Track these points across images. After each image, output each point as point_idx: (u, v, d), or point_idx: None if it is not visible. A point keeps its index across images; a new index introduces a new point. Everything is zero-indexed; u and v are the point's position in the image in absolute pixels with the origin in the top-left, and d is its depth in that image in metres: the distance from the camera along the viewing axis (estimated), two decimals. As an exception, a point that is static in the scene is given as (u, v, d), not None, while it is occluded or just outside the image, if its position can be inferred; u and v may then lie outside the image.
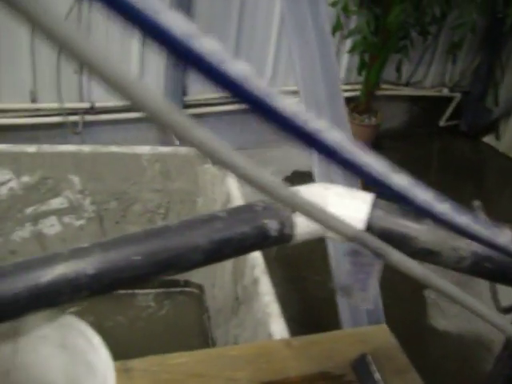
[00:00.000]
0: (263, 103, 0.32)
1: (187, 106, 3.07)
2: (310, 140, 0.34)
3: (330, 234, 0.76)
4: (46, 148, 1.56)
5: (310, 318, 2.29)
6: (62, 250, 0.64)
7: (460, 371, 2.22)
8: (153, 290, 1.80)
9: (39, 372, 0.76)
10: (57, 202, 1.62)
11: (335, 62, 1.71)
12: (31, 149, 1.55)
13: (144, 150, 1.61)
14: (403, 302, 2.60)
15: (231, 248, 0.69)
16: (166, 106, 0.35)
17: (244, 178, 0.43)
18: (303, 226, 0.73)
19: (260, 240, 0.71)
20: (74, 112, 2.84)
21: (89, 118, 2.88)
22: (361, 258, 0.60)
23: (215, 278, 1.62)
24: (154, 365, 0.94)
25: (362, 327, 1.43)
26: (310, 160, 3.34)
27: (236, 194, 1.45)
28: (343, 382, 0.98)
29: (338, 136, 0.34)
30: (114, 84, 0.32)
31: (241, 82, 0.30)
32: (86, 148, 1.59)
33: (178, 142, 2.73)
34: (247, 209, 0.71)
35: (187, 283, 1.80)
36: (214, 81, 0.30)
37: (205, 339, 1.64)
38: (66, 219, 1.66)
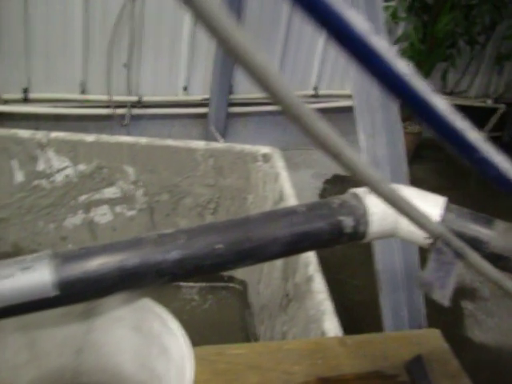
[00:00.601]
0: (421, 102, 0.33)
1: (232, 104, 3.10)
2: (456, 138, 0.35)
3: (400, 234, 0.78)
4: (104, 138, 1.59)
5: (348, 321, 2.30)
6: (148, 235, 0.66)
7: (493, 384, 2.21)
8: (197, 284, 1.82)
9: (110, 352, 0.79)
10: (110, 192, 1.66)
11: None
12: (90, 138, 1.58)
13: (199, 145, 1.63)
14: (440, 311, 2.59)
15: (308, 242, 0.71)
16: (297, 100, 0.37)
17: (353, 171, 0.45)
18: (376, 225, 0.74)
19: (335, 236, 0.72)
20: (121, 105, 2.88)
21: (136, 111, 2.92)
22: (443, 257, 0.62)
23: (261, 275, 1.63)
24: (213, 354, 0.96)
25: (414, 330, 1.44)
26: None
27: (289, 192, 1.46)
28: (397, 382, 0.99)
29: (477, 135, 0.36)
30: (258, 77, 0.34)
31: (405, 81, 0.32)
32: (142, 140, 1.61)
33: (221, 140, 2.75)
34: (324, 205, 0.73)
35: (231, 279, 1.82)
36: (380, 77, 0.31)
37: (246, 335, 1.65)
38: (118, 209, 1.69)
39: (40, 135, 1.59)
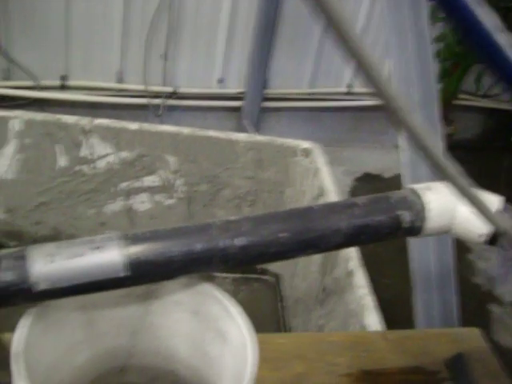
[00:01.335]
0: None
1: (266, 99, 3.10)
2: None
3: (455, 231, 0.78)
4: (147, 127, 1.61)
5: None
6: (214, 221, 0.67)
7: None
8: (230, 275, 1.84)
9: (165, 334, 0.80)
10: (150, 180, 1.68)
11: (433, 67, 1.72)
12: (133, 126, 1.61)
13: (240, 137, 1.64)
14: (468, 314, 2.59)
15: (368, 234, 0.72)
16: (396, 94, 0.38)
17: (435, 165, 0.46)
18: (433, 221, 0.75)
19: (393, 230, 0.73)
20: (156, 95, 2.90)
21: (170, 102, 2.94)
22: (506, 254, 0.62)
23: (296, 269, 1.64)
24: (260, 342, 0.97)
25: (455, 328, 1.44)
26: (381, 163, 3.35)
27: (330, 188, 1.47)
28: (437, 378, 0.99)
29: None
30: (367, 72, 0.36)
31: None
32: (184, 130, 1.63)
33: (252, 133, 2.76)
34: (383, 199, 0.74)
35: (264, 271, 1.84)
36: (503, 72, 0.32)
37: (278, 327, 1.67)
38: (157, 197, 1.71)
39: (84, 121, 1.61)
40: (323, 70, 3.17)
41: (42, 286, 0.61)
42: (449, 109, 3.45)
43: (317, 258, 1.45)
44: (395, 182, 3.32)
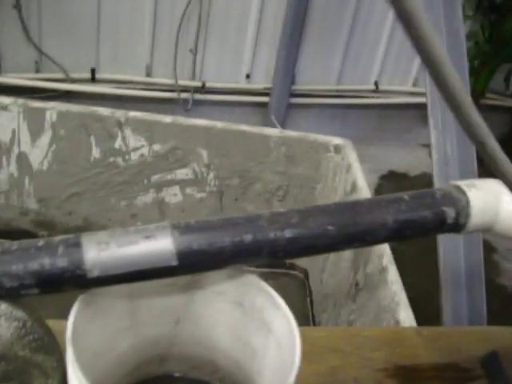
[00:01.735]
0: None
1: (293, 95, 3.11)
2: None
3: (498, 228, 0.79)
4: (181, 120, 1.62)
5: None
6: (261, 213, 0.68)
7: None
8: (258, 269, 1.85)
9: (207, 324, 0.81)
10: (182, 173, 1.69)
11: (466, 66, 1.71)
12: (167, 119, 1.62)
13: (273, 132, 1.65)
14: (491, 315, 2.58)
15: (412, 230, 0.72)
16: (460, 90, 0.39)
17: (493, 163, 0.46)
18: (476, 218, 0.76)
19: (437, 226, 0.74)
20: (184, 89, 2.92)
21: (198, 96, 2.95)
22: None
23: (325, 264, 1.65)
24: (295, 335, 0.98)
25: (490, 326, 1.44)
26: (406, 161, 3.34)
27: (362, 184, 1.48)
28: (472, 376, 1.00)
29: None
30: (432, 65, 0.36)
31: None
32: (218, 124, 1.64)
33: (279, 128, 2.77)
34: (428, 194, 0.74)
35: (292, 266, 1.84)
36: None
37: (306, 322, 1.68)
38: (189, 190, 1.72)
39: (119, 114, 1.63)
40: (351, 67, 3.17)
41: (96, 273, 0.62)
42: (477, 108, 3.42)
43: (348, 254, 1.46)
44: (420, 181, 3.33)
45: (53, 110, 1.62)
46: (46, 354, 0.84)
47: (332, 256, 1.59)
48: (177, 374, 0.87)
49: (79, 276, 0.63)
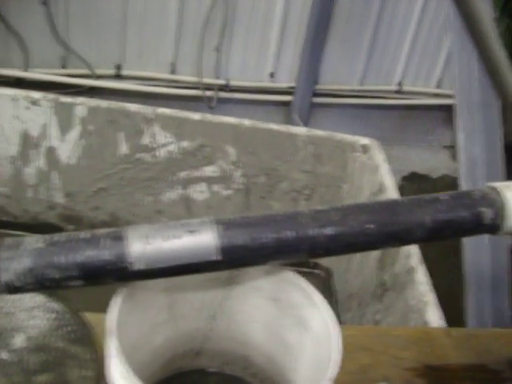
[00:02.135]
0: None
1: (317, 95, 3.11)
2: None
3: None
4: (210, 117, 1.63)
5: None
6: (303, 210, 0.69)
7: None
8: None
9: (242, 320, 0.82)
10: (209, 170, 1.70)
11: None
12: (195, 116, 1.63)
13: (301, 130, 1.66)
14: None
15: (450, 230, 0.72)
16: None
17: None
18: (512, 220, 0.76)
19: (474, 226, 0.74)
20: (209, 87, 2.93)
21: (223, 94, 2.96)
22: None
23: (350, 264, 1.65)
24: (326, 333, 0.98)
25: (519, 329, 1.44)
26: (428, 163, 3.33)
27: (390, 184, 1.48)
28: (501, 378, 1.00)
29: None
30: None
31: None
32: (246, 122, 1.65)
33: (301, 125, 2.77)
34: (466, 195, 0.74)
35: (316, 265, 1.85)
36: None
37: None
38: (215, 187, 1.73)
39: (147, 110, 1.64)
40: (374, 68, 3.17)
41: (138, 266, 0.63)
42: (507, 108, 3.40)
43: (374, 254, 1.46)
44: (443, 183, 3.31)
45: (82, 105, 1.63)
46: (82, 346, 0.85)
47: (357, 256, 1.59)
48: (210, 369, 0.88)
49: (123, 269, 0.63)
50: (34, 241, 0.63)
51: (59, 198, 1.76)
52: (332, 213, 0.68)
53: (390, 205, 0.71)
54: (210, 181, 1.72)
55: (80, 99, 1.66)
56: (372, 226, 0.68)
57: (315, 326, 0.72)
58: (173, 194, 1.74)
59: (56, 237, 0.64)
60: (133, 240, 0.63)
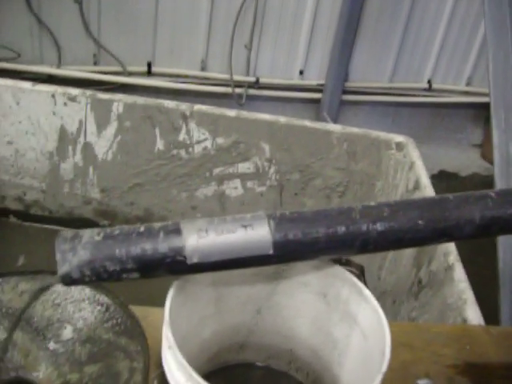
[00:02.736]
0: None
1: (346, 92, 3.11)
2: None
3: None
4: (245, 114, 1.64)
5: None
6: (353, 206, 0.70)
7: None
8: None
9: (288, 315, 0.83)
10: (244, 167, 1.71)
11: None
12: (231, 113, 1.64)
13: (336, 128, 1.66)
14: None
15: (499, 226, 0.73)
16: None
17: None
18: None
19: (523, 223, 0.74)
20: (238, 84, 2.94)
21: (252, 91, 2.97)
22: None
23: (384, 261, 1.65)
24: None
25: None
26: (458, 161, 3.31)
27: (426, 182, 1.48)
28: (543, 376, 1.00)
29: None
30: None
31: None
32: (281, 119, 1.66)
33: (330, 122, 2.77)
34: (514, 192, 0.75)
35: (348, 262, 1.84)
36: None
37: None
38: (249, 184, 1.74)
39: (184, 107, 1.65)
40: (404, 65, 3.16)
41: (195, 260, 0.65)
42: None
43: (409, 252, 1.46)
44: (472, 181, 3.29)
45: (119, 101, 1.65)
46: (129, 338, 0.87)
47: (392, 253, 1.59)
48: (254, 363, 0.89)
49: (178, 262, 0.65)
50: (91, 234, 0.64)
51: (95, 194, 1.78)
52: (382, 209, 0.69)
53: (439, 201, 0.71)
54: (244, 177, 1.73)
55: (117, 96, 1.68)
56: (421, 221, 0.69)
57: (363, 320, 0.73)
58: (207, 191, 1.75)
59: (113, 230, 0.65)
60: (188, 234, 0.65)
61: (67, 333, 0.89)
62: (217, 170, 1.71)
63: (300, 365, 0.86)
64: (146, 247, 0.64)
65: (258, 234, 0.65)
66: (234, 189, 1.75)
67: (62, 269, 0.63)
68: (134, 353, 0.84)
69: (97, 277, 0.64)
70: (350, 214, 0.68)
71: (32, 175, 1.77)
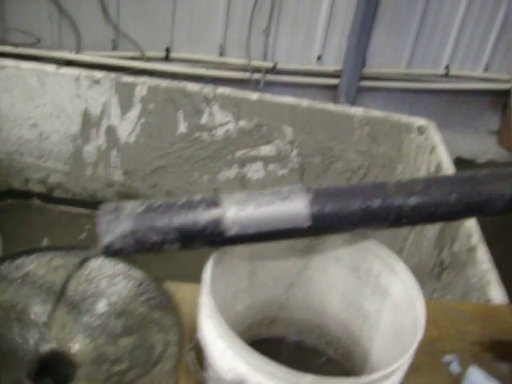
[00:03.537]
0: None
1: (363, 78, 3.11)
2: None
3: None
4: (267, 97, 1.65)
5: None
6: (387, 181, 0.71)
7: None
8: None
9: (321, 289, 0.84)
10: (266, 150, 1.72)
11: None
12: (254, 96, 1.65)
13: (357, 111, 1.67)
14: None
15: (530, 202, 0.74)
16: None
17: None
18: None
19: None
20: (256, 70, 2.94)
21: (269, 77, 2.97)
22: None
23: (404, 244, 1.67)
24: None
25: None
26: (475, 148, 3.30)
27: (448, 165, 1.49)
28: None
29: None
30: None
31: None
32: (303, 102, 1.67)
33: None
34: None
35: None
36: None
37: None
38: (271, 167, 1.75)
39: (207, 90, 1.67)
40: (421, 51, 3.15)
41: (233, 232, 0.66)
42: None
43: (431, 234, 1.47)
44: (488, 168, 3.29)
45: (143, 84, 1.66)
46: (163, 311, 0.89)
47: (412, 235, 1.61)
48: (285, 338, 0.91)
49: (218, 233, 0.66)
50: (133, 206, 0.66)
51: (117, 176, 1.80)
52: (416, 184, 0.70)
53: (471, 177, 0.72)
54: (266, 160, 1.74)
55: (141, 79, 1.69)
56: (454, 196, 0.70)
57: (395, 294, 0.75)
58: (229, 173, 1.77)
59: (154, 202, 0.67)
60: (228, 206, 0.66)
61: (101, 306, 0.91)
62: (239, 153, 1.72)
63: (329, 339, 0.88)
64: (187, 218, 0.65)
65: (296, 206, 0.66)
66: (255, 171, 1.76)
67: (105, 239, 0.65)
68: (168, 326, 0.85)
69: (138, 247, 0.66)
70: (385, 188, 0.69)
71: (56, 158, 1.79)
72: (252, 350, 0.60)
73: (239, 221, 0.66)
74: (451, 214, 0.71)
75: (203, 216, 0.66)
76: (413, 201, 0.69)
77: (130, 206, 0.66)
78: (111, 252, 0.66)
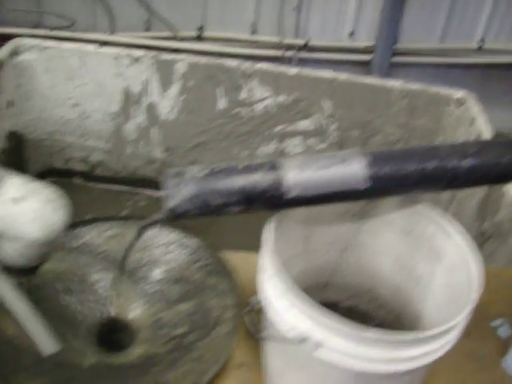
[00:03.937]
0: None
1: (396, 54, 3.09)
2: None
3: None
4: (306, 72, 1.66)
5: None
6: (440, 144, 0.72)
7: None
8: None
9: (372, 253, 0.86)
10: (305, 124, 1.73)
11: None
12: (292, 71, 1.67)
13: (395, 84, 1.68)
14: None
15: None
16: None
17: None
18: None
19: None
20: (288, 47, 2.94)
21: (302, 54, 2.97)
22: None
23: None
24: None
25: None
26: (510, 123, 3.28)
27: (488, 136, 1.49)
28: None
29: None
30: None
31: None
32: (341, 76, 1.68)
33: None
34: None
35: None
36: None
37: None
38: (310, 141, 1.76)
39: (246, 65, 1.68)
40: (455, 25, 3.12)
41: (293, 194, 0.68)
42: None
43: (472, 203, 1.48)
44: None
45: (183, 61, 1.68)
46: (218, 277, 0.91)
47: (453, 204, 1.61)
48: (336, 302, 0.93)
49: (278, 196, 0.68)
50: (196, 170, 0.68)
51: (158, 153, 1.83)
52: (469, 146, 0.71)
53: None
54: (304, 135, 1.75)
55: (181, 56, 1.71)
56: (506, 158, 0.71)
57: (449, 255, 0.76)
58: (268, 148, 1.78)
59: (214, 167, 0.69)
60: (288, 170, 0.68)
61: (158, 273, 0.94)
62: (278, 128, 1.74)
63: (380, 303, 0.89)
64: (249, 181, 0.67)
65: (352, 169, 0.68)
66: (294, 146, 1.77)
67: (170, 203, 0.67)
68: (224, 291, 0.88)
69: (202, 210, 0.68)
70: (439, 150, 0.70)
71: (97, 136, 1.82)
72: (318, 306, 0.62)
73: (299, 183, 0.68)
74: (504, 176, 0.72)
75: (264, 179, 0.68)
76: (467, 162, 0.70)
77: (194, 171, 0.68)
78: (175, 215, 0.69)
